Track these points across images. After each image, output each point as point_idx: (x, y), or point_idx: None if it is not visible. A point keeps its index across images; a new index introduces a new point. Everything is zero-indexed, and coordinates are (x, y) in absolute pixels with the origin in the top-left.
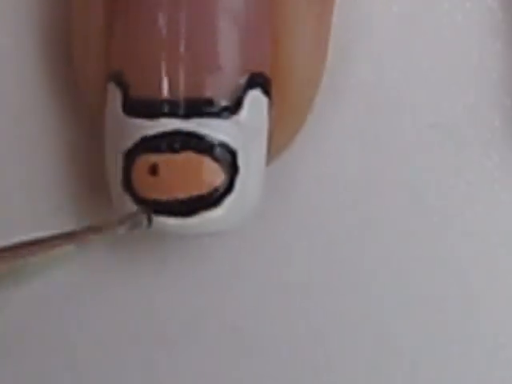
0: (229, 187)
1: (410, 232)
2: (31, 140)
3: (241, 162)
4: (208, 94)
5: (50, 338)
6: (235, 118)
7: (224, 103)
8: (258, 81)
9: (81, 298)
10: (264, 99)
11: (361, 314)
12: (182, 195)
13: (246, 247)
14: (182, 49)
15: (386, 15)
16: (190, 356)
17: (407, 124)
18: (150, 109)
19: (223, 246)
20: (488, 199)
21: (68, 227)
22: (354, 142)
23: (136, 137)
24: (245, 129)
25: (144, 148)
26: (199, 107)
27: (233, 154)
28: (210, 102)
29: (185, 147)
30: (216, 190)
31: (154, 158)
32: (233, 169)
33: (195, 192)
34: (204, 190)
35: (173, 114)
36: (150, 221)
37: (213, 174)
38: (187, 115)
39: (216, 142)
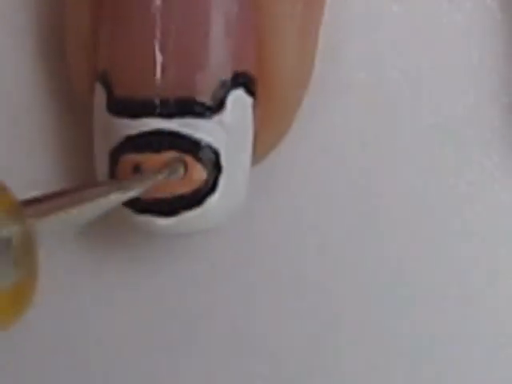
0: (212, 187)
1: (409, 232)
2: (30, 138)
3: (224, 161)
4: (190, 93)
5: (50, 337)
6: (218, 117)
7: (206, 103)
8: (242, 80)
9: (81, 298)
10: (248, 99)
11: (355, 313)
12: (164, 195)
13: (236, 246)
14: (163, 49)
15: (386, 15)
16: (190, 356)
17: (407, 124)
18: (134, 108)
19: (213, 245)
20: (488, 199)
21: None
22: (347, 142)
23: (120, 136)
24: (228, 129)
25: (128, 147)
26: (181, 107)
27: (216, 154)
28: (192, 102)
29: (167, 147)
30: (199, 189)
31: (137, 157)
32: (216, 169)
33: (178, 191)
34: (186, 190)
35: (155, 113)
36: (186, 169)
37: (195, 174)
38: (169, 115)
39: (198, 142)
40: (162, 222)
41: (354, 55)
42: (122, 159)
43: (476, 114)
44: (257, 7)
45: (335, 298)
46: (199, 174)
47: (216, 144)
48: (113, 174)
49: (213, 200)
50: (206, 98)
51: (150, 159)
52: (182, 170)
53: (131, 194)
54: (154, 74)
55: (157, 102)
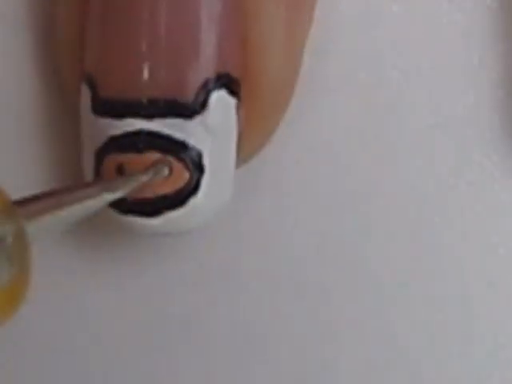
0: (195, 187)
1: (409, 232)
2: (30, 137)
3: (207, 162)
4: (173, 94)
5: (50, 337)
6: (200, 118)
7: (189, 104)
8: (224, 81)
9: (67, 298)
10: (231, 100)
11: (355, 313)
12: (147, 195)
13: (224, 246)
14: (146, 49)
15: (386, 15)
16: (177, 356)
17: (407, 124)
18: (117, 109)
19: (201, 245)
20: (488, 199)
21: None
22: (335, 141)
23: (105, 136)
24: (211, 129)
25: (112, 148)
26: (164, 108)
27: (198, 154)
28: (174, 103)
29: (149, 147)
30: (181, 189)
31: (120, 157)
32: (198, 169)
33: (160, 192)
34: (169, 190)
35: (138, 114)
36: (171, 170)
37: (177, 174)
38: (152, 115)
39: (181, 142)
40: (146, 222)
41: (353, 55)
42: (107, 159)
43: (476, 114)
44: (240, 8)
45: (326, 298)
46: (181, 174)
47: (198, 144)
48: (98, 174)
49: (196, 200)
50: (188, 98)
51: (133, 159)
52: (167, 171)
53: (118, 194)
54: (138, 75)
55: (140, 102)
